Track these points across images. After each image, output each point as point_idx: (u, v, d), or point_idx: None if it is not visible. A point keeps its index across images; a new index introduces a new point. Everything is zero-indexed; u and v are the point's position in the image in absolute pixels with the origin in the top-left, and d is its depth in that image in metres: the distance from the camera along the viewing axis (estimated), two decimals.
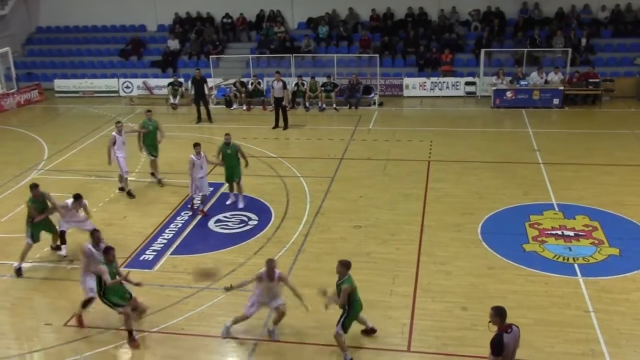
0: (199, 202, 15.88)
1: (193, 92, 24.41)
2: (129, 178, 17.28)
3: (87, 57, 31.39)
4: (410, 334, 10.82)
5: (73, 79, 29.76)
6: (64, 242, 13.87)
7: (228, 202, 16.40)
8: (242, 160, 16.09)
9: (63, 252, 13.90)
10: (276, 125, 22.72)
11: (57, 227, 13.74)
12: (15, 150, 21.89)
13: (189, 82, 25.35)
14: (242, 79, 26.55)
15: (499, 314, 7.98)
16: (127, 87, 28.91)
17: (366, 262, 13.17)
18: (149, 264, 13.50)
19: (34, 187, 13.24)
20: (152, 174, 18.15)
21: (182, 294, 12.29)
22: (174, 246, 14.27)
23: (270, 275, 10.47)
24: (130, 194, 17.06)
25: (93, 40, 32.25)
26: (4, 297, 12.54)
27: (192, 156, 15.48)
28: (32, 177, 18.88)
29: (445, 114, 24.46)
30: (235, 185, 16.30)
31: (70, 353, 10.62)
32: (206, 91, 24.61)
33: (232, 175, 16.11)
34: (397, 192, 16.74)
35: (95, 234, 11.52)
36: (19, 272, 13.19)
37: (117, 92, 28.97)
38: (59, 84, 29.59)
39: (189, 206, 15.99)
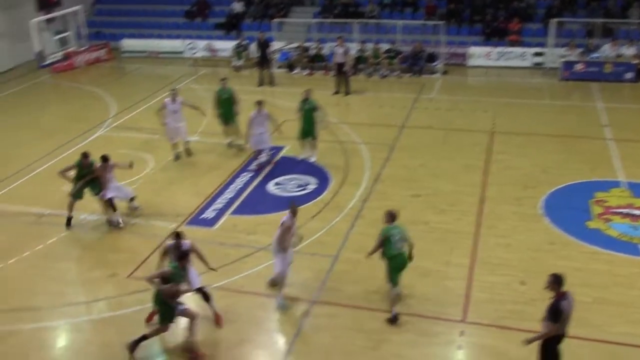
0: (264, 157, 16.35)
1: (258, 55, 24.45)
2: (190, 139, 17.51)
3: (153, 17, 31.78)
4: (467, 304, 10.76)
5: (140, 39, 30.23)
6: (114, 209, 13.79)
7: (300, 158, 16.76)
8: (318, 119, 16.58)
9: (116, 218, 13.79)
10: (337, 91, 22.63)
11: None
12: (83, 107, 22.55)
13: (254, 45, 25.41)
14: (304, 44, 26.47)
15: (557, 281, 8.05)
16: (192, 48, 29.23)
17: (424, 231, 13.11)
18: (210, 222, 13.79)
19: (84, 156, 13.50)
20: (229, 144, 17.72)
21: (241, 253, 12.54)
22: (234, 206, 14.52)
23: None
24: (177, 157, 17.04)
25: (160, 1, 32.59)
26: (71, 247, 13.08)
27: (253, 113, 15.85)
28: (99, 134, 19.48)
29: (510, 85, 23.83)
30: (308, 144, 16.75)
31: (132, 303, 11.03)
32: (269, 55, 24.64)
33: (308, 132, 16.55)
34: (458, 162, 16.50)
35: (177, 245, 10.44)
36: (68, 223, 13.65)
37: (181, 53, 29.34)
38: (127, 43, 30.14)
39: (255, 162, 16.35)
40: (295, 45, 26.76)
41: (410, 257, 10.42)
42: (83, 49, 28.96)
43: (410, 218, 13.37)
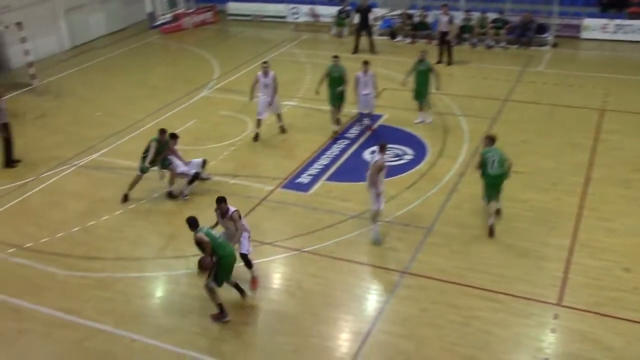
0: (366, 121, 16.40)
1: (358, 21, 24.20)
2: (287, 105, 17.62)
3: None
4: (563, 287, 10.39)
5: (245, 3, 30.64)
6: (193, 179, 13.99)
7: (416, 122, 16.85)
8: (432, 81, 16.61)
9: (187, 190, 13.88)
10: (439, 61, 22.08)
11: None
12: (188, 67, 23.24)
13: (354, 11, 25.16)
14: (408, 11, 25.94)
15: None
16: (295, 13, 29.34)
17: (522, 209, 12.72)
18: (305, 187, 13.97)
19: (162, 132, 13.74)
20: (337, 121, 16.92)
21: (334, 219, 12.65)
22: (329, 172, 14.62)
23: None
24: (256, 137, 16.45)
25: None
26: (174, 203, 13.63)
27: (359, 73, 15.91)
28: (203, 94, 20.04)
29: (627, 61, 22.40)
30: (421, 104, 16.88)
31: None
32: (370, 21, 24.33)
33: (420, 93, 16.71)
34: (563, 140, 15.79)
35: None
36: (125, 198, 13.78)
37: (284, 17, 29.52)
38: (232, 6, 30.63)
39: (357, 124, 16.61)
40: (398, 12, 26.28)
41: (507, 175, 11.68)
42: (191, 11, 29.73)
43: (508, 195, 12.99)
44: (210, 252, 9.71)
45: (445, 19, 22.08)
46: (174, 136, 13.99)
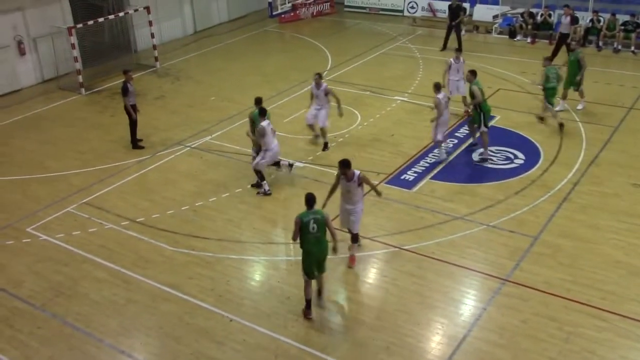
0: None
1: (448, 18, 23.50)
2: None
3: None
4: None
5: None
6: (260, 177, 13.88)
7: (556, 109, 16.57)
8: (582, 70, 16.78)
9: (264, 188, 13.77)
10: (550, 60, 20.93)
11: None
12: (302, 56, 23.56)
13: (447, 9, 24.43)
14: (531, 9, 24.94)
15: None
16: (412, 7, 28.98)
17: (639, 225, 11.94)
18: (409, 184, 13.81)
19: (258, 101, 13.77)
20: (541, 118, 16.61)
21: (436, 219, 12.43)
22: (435, 171, 14.36)
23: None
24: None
25: None
26: (281, 190, 13.87)
27: (451, 59, 16.91)
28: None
29: None
30: (566, 93, 17.14)
31: None
32: (460, 19, 23.51)
33: (569, 82, 17.02)
34: None
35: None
36: (291, 166, 14.34)
37: (401, 11, 29.24)
38: None
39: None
40: (520, 10, 25.33)
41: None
42: (309, 1, 30.07)
43: (625, 209, 12.33)
44: (295, 235, 9.64)
45: (566, 20, 21.04)
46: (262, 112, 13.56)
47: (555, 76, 15.98)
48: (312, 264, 9.72)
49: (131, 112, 15.86)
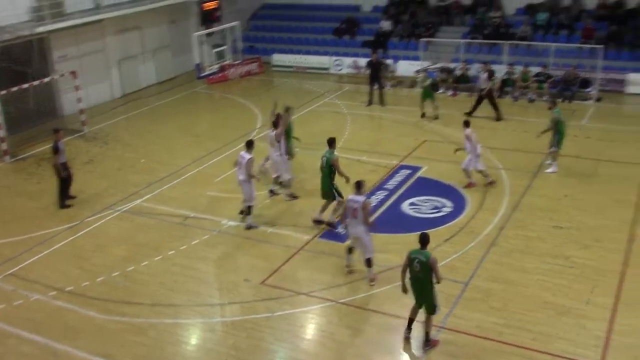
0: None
1: (368, 73, 24.40)
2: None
3: (303, 34, 32.84)
4: (606, 348, 10.05)
5: (289, 54, 31.37)
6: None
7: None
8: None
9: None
10: (470, 112, 21.87)
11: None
12: (232, 116, 23.78)
13: (365, 65, 25.37)
14: (448, 64, 26.12)
15: None
16: (338, 65, 29.86)
17: (564, 266, 12.46)
18: (342, 238, 13.94)
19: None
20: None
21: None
22: None
23: None
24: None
25: (311, 18, 33.60)
26: (212, 250, 13.79)
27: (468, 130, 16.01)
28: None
29: None
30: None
31: (263, 310, 11.42)
32: (381, 74, 24.57)
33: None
34: (606, 195, 15.50)
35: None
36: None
37: (327, 69, 30.06)
38: (277, 58, 31.38)
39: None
40: (439, 65, 26.49)
41: None
42: (237, 62, 30.54)
43: (549, 251, 12.82)
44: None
45: (484, 75, 22.12)
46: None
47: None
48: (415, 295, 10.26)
49: (60, 170, 15.70)
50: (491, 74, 22.45)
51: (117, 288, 12.42)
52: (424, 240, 10.00)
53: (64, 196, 16.07)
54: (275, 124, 16.07)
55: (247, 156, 14.22)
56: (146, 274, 12.94)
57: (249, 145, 14.46)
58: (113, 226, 15.15)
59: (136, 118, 24.19)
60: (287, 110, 16.99)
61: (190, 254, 13.66)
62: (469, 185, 16.16)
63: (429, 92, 22.30)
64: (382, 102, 24.11)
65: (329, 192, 14.18)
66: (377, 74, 24.22)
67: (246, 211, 14.58)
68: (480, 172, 16.22)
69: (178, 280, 12.66)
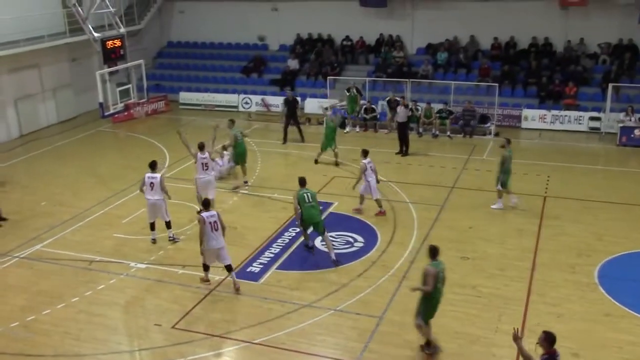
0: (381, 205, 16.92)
1: (284, 112, 24.71)
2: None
3: (211, 72, 32.76)
4: None
5: (196, 92, 31.14)
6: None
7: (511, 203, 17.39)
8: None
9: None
10: (400, 151, 22.49)
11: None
12: (139, 156, 23.09)
13: (281, 103, 25.75)
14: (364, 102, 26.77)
15: (548, 339, 8.44)
16: (246, 102, 29.90)
17: (472, 295, 12.82)
18: (255, 276, 13.79)
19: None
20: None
21: (285, 308, 12.45)
22: (280, 261, 14.50)
23: None
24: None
25: (218, 57, 33.62)
26: (119, 294, 13.23)
27: (364, 161, 16.64)
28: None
29: (565, 149, 23.41)
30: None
31: (175, 355, 11.01)
32: (297, 113, 25.00)
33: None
34: (509, 226, 16.18)
35: None
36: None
37: (236, 107, 30.02)
38: (184, 96, 31.07)
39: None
40: (346, 102, 27.04)
41: None
42: (142, 100, 29.88)
43: (457, 281, 13.13)
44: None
45: (403, 110, 22.49)
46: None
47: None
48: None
49: None
50: (408, 106, 23.06)
51: (16, 340, 11.64)
52: (434, 252, 10.77)
53: None
54: (201, 148, 16.94)
55: (158, 175, 15.10)
56: (48, 323, 12.21)
57: (154, 166, 15.46)
58: (11, 274, 14.27)
59: (36, 159, 23.11)
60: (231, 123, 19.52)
61: (96, 299, 13.04)
62: (379, 214, 16.62)
63: (333, 135, 21.34)
64: (301, 138, 24.28)
65: None
66: (294, 111, 24.46)
67: (167, 225, 15.41)
68: (376, 201, 16.73)
69: (84, 329, 12.02)
